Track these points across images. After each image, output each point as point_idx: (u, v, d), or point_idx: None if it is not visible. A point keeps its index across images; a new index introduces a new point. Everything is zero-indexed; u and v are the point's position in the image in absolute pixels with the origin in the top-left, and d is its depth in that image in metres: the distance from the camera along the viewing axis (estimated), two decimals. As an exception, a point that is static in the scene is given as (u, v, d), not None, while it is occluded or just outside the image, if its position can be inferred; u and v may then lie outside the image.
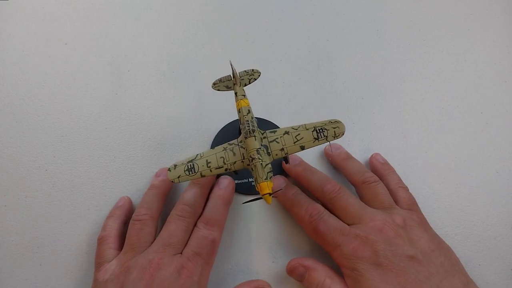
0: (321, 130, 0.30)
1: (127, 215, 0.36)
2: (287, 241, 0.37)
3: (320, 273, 0.32)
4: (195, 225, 0.34)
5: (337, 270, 0.33)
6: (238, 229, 0.37)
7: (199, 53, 0.45)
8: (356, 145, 0.41)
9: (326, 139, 0.29)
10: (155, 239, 0.33)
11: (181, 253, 0.32)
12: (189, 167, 0.30)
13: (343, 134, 0.29)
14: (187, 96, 0.42)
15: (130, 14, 0.46)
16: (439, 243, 0.33)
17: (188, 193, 0.35)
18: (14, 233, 0.37)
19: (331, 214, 0.34)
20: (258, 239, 0.37)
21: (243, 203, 0.34)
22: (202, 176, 0.30)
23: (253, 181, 0.36)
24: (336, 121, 0.30)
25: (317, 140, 0.30)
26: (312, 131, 0.30)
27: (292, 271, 0.34)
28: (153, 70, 0.44)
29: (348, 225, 0.33)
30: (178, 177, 0.30)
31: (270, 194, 0.27)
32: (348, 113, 0.42)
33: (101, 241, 0.34)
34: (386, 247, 0.30)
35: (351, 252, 0.31)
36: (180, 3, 0.47)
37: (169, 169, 0.31)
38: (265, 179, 0.27)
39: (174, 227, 0.33)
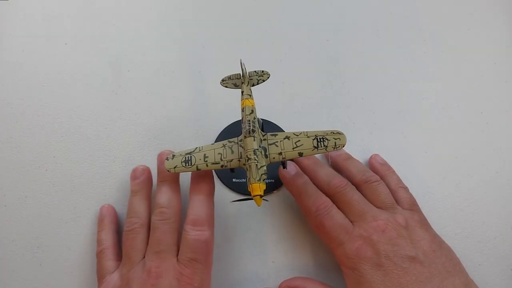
0: (322, 140, 0.30)
1: (116, 223, 0.36)
2: (287, 241, 0.37)
3: None
4: (180, 222, 0.33)
5: (336, 268, 0.33)
6: (238, 229, 0.37)
7: (199, 53, 0.45)
8: (356, 145, 0.41)
9: (326, 149, 0.29)
10: None
11: (177, 256, 0.31)
12: (187, 159, 0.30)
13: (343, 146, 0.29)
14: (187, 96, 0.42)
15: (130, 14, 0.46)
16: (440, 243, 0.33)
17: (161, 195, 0.33)
18: (14, 233, 0.37)
19: (338, 210, 0.33)
20: (258, 239, 0.37)
21: (232, 201, 0.34)
22: (198, 169, 0.30)
23: None
24: (339, 133, 0.30)
25: (316, 149, 0.29)
26: (313, 139, 0.30)
27: None
28: (153, 70, 0.44)
29: (351, 221, 0.33)
30: (175, 167, 0.30)
31: (260, 196, 0.27)
32: (348, 113, 0.42)
33: (99, 255, 0.34)
34: (388, 248, 0.30)
35: (354, 252, 0.31)
36: (180, 3, 0.47)
37: (167, 159, 0.30)
38: (257, 181, 0.27)
39: (159, 232, 0.32)
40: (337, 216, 0.33)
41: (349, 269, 0.31)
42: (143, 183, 0.36)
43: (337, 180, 0.34)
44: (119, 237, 0.35)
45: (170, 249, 0.31)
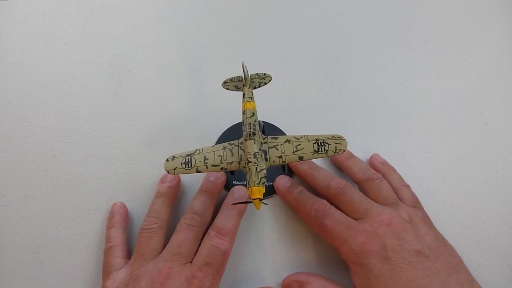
0: (322, 144, 0.29)
1: (126, 221, 0.37)
2: (287, 241, 0.37)
3: (314, 285, 0.33)
4: (204, 233, 0.34)
5: (343, 267, 0.33)
6: (238, 229, 0.37)
7: (199, 53, 0.45)
8: (357, 145, 0.41)
9: (326, 153, 0.29)
10: (164, 247, 0.33)
11: (191, 262, 0.32)
12: (187, 160, 0.30)
13: (344, 151, 0.29)
14: (187, 96, 0.42)
15: (130, 14, 0.46)
16: (443, 240, 0.33)
17: (197, 201, 0.35)
18: (14, 233, 0.37)
19: (337, 210, 0.34)
20: (258, 239, 0.37)
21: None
22: (197, 171, 0.30)
23: None
24: (340, 137, 0.30)
25: (316, 153, 0.29)
26: (314, 143, 0.30)
27: None
28: (153, 70, 0.44)
29: (355, 219, 0.33)
30: (174, 169, 0.30)
31: (260, 199, 0.27)
32: (348, 113, 0.42)
33: (108, 252, 0.34)
34: (394, 241, 0.31)
35: (359, 247, 0.31)
36: (180, 3, 0.47)
37: (167, 160, 0.31)
38: (257, 184, 0.27)
39: (184, 236, 0.32)
40: (337, 214, 0.33)
41: (357, 265, 0.31)
42: (171, 188, 0.36)
43: (336, 181, 0.34)
44: (128, 237, 0.36)
45: (188, 255, 0.32)
